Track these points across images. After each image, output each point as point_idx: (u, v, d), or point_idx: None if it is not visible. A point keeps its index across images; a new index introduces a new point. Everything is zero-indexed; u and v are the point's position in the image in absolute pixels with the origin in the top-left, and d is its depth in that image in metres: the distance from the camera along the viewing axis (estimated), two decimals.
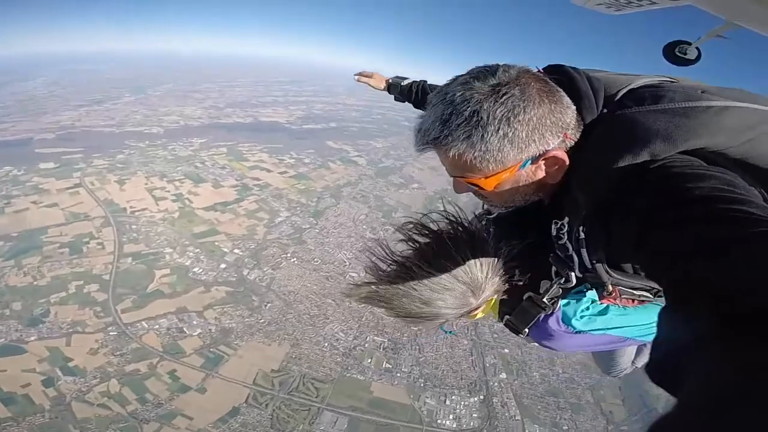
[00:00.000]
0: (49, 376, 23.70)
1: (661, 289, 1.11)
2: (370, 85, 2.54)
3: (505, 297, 1.36)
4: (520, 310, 1.30)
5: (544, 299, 1.24)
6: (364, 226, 45.06)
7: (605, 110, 1.01)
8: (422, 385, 28.05)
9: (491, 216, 1.36)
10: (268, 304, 31.54)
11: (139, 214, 40.37)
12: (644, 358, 1.99)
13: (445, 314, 1.24)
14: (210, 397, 24.21)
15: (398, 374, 28.46)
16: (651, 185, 0.83)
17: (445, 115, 0.93)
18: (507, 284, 1.33)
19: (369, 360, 29.01)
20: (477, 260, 1.22)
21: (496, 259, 1.26)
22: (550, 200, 1.14)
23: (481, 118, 0.90)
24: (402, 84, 2.43)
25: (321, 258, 38.24)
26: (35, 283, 30.19)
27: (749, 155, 0.90)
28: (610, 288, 1.16)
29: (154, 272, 32.53)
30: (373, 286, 1.24)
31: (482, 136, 0.90)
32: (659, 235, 0.75)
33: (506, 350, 31.84)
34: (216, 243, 37.51)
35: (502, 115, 0.89)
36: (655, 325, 1.16)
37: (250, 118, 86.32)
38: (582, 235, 1.05)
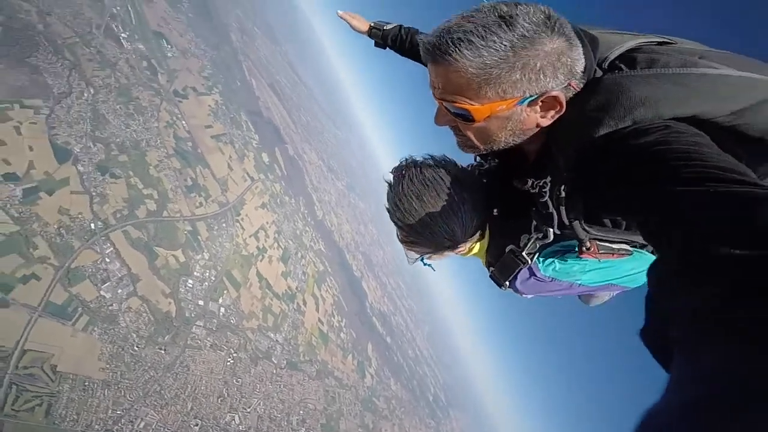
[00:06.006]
0: None
1: (641, 242, 1.16)
2: (351, 25, 2.22)
3: (490, 246, 1.39)
4: (502, 263, 1.30)
5: (523, 253, 1.23)
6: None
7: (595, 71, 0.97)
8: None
9: (483, 168, 1.37)
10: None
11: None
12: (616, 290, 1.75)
13: (439, 236, 1.25)
14: None
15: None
16: (624, 147, 0.81)
17: (462, 27, 0.86)
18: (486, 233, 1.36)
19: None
20: (471, 204, 1.25)
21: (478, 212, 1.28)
22: (534, 158, 1.12)
23: (499, 37, 0.83)
24: (385, 28, 2.11)
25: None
26: None
27: (741, 124, 0.84)
28: (588, 244, 1.12)
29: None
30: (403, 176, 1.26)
31: (495, 57, 0.84)
32: (626, 192, 0.77)
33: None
34: None
35: (522, 38, 0.84)
36: (637, 273, 1.34)
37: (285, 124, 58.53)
38: (563, 194, 1.01)
